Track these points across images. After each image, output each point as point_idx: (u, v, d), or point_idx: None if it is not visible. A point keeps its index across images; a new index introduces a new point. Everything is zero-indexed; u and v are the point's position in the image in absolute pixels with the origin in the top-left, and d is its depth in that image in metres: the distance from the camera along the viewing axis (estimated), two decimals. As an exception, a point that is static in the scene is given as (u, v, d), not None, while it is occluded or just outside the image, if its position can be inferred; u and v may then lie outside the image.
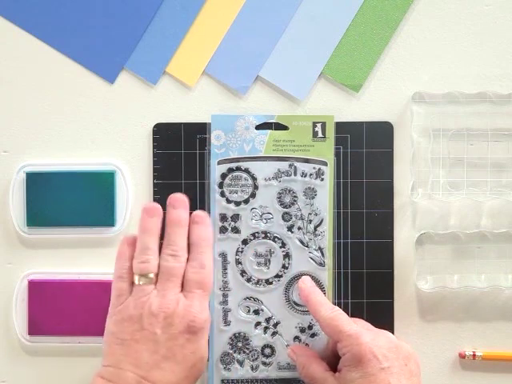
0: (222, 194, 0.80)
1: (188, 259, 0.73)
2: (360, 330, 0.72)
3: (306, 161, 0.79)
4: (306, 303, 0.77)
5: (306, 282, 0.78)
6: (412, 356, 0.73)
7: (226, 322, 0.80)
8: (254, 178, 0.80)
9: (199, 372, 0.71)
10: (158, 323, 0.69)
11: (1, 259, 0.82)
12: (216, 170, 0.80)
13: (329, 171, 0.80)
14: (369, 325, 0.76)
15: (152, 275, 0.72)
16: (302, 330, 0.80)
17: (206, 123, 0.80)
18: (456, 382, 0.81)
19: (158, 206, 0.74)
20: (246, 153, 0.80)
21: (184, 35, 0.81)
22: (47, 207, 0.80)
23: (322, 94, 0.82)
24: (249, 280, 0.80)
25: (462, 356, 0.80)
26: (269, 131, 0.80)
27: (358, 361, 0.70)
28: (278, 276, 0.80)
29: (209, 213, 0.79)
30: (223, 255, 0.80)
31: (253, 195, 0.80)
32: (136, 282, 0.72)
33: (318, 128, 0.80)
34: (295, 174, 0.79)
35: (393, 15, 0.81)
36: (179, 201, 0.74)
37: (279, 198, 0.80)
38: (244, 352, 0.80)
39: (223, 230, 0.80)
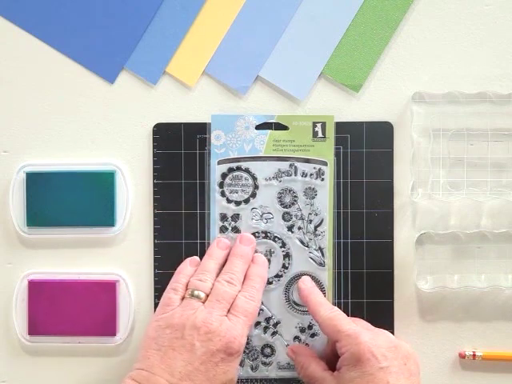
0: (223, 194, 0.80)
1: (240, 290, 0.75)
2: (359, 330, 0.72)
3: (307, 161, 0.79)
4: (305, 303, 0.77)
5: (305, 283, 0.78)
6: (411, 355, 0.73)
7: (226, 322, 0.80)
8: (254, 178, 0.80)
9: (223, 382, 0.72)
10: (198, 336, 0.71)
11: (1, 259, 0.82)
12: (216, 170, 0.80)
13: (329, 171, 0.80)
14: (368, 324, 0.76)
15: (203, 294, 0.74)
16: (302, 330, 0.80)
17: (206, 123, 0.80)
18: (456, 381, 0.81)
19: (227, 241, 0.78)
20: (246, 153, 0.80)
21: (184, 35, 0.81)
22: (47, 207, 0.80)
23: (321, 94, 0.82)
24: (249, 280, 0.80)
25: (462, 356, 0.80)
26: (269, 131, 0.80)
27: (357, 360, 0.70)
28: (278, 276, 0.80)
29: (209, 213, 0.80)
30: (223, 255, 0.80)
31: (253, 195, 0.80)
32: (187, 296, 0.74)
33: (318, 128, 0.80)
34: (295, 174, 0.79)
35: (393, 15, 0.81)
36: (247, 239, 0.79)
37: (279, 197, 0.80)
38: (244, 352, 0.80)
39: (223, 229, 0.80)
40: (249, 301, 0.74)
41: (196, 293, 0.74)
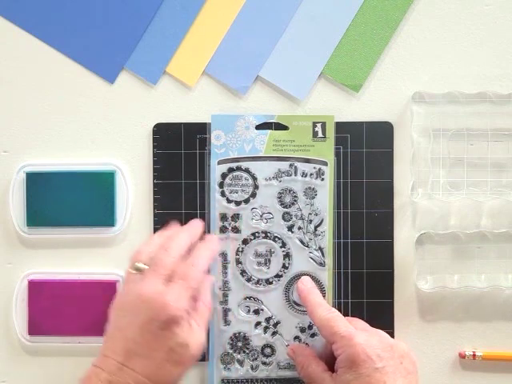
0: (223, 194, 0.80)
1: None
2: (354, 332, 0.72)
3: (307, 161, 0.80)
4: (304, 304, 0.77)
5: (304, 283, 0.78)
6: (407, 354, 0.73)
7: (226, 322, 0.80)
8: (254, 178, 0.80)
9: (182, 357, 0.70)
10: (132, 308, 0.70)
11: (1, 259, 0.82)
12: (216, 170, 0.80)
13: (329, 171, 0.80)
14: (366, 325, 0.76)
15: (144, 266, 0.72)
16: (302, 330, 0.80)
17: (206, 123, 0.80)
18: (456, 381, 0.81)
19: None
20: (246, 153, 0.80)
21: (184, 35, 0.81)
22: (47, 207, 0.80)
23: (322, 94, 0.82)
24: (249, 280, 0.80)
25: (462, 356, 0.80)
26: (269, 131, 0.80)
27: (352, 362, 0.70)
28: (278, 276, 0.80)
29: (209, 212, 0.80)
30: (223, 255, 0.80)
31: (253, 195, 0.80)
32: (129, 270, 0.73)
33: (318, 128, 0.80)
34: (295, 174, 0.80)
35: (393, 15, 0.81)
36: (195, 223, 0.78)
37: (279, 197, 0.80)
38: (244, 352, 0.80)
39: (223, 229, 0.80)
40: (189, 266, 0.72)
41: (136, 265, 0.72)
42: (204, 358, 0.80)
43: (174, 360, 0.70)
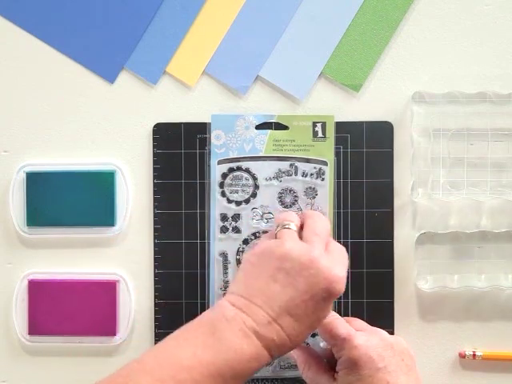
0: (223, 194, 0.80)
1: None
2: (353, 333, 0.72)
3: (307, 161, 0.80)
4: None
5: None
6: (406, 350, 0.73)
7: (227, 322, 0.80)
8: (254, 178, 0.80)
9: (319, 325, 0.69)
10: (301, 271, 0.67)
11: (1, 259, 0.81)
12: (216, 170, 0.80)
13: (329, 171, 0.80)
14: (364, 324, 0.76)
15: (295, 227, 0.71)
16: (303, 330, 0.80)
17: (206, 123, 0.80)
18: (456, 381, 0.81)
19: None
20: (246, 152, 0.80)
21: (184, 35, 0.81)
22: (47, 207, 0.80)
23: (321, 94, 0.82)
24: (249, 280, 0.80)
25: (462, 356, 0.80)
26: (269, 131, 0.80)
27: (354, 364, 0.70)
28: (278, 276, 0.80)
29: (209, 212, 0.80)
30: (224, 255, 0.80)
31: (253, 195, 0.80)
32: (280, 228, 0.71)
33: (318, 128, 0.80)
34: (296, 174, 0.80)
35: (393, 15, 0.81)
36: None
37: (280, 197, 0.80)
38: (244, 352, 0.80)
39: (224, 229, 0.80)
40: (337, 244, 0.71)
41: (286, 223, 0.71)
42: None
43: (314, 328, 0.68)
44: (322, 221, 0.72)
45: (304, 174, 0.80)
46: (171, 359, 0.64)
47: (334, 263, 0.68)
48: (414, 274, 0.80)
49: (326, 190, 0.80)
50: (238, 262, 0.80)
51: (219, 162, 0.80)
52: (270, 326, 0.65)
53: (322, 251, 0.68)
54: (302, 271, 0.66)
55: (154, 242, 0.81)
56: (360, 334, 0.72)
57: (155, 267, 0.81)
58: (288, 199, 0.80)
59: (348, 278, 0.80)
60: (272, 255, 0.68)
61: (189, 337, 0.65)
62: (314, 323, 0.68)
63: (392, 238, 0.81)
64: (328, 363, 0.75)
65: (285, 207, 0.80)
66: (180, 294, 0.80)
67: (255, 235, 0.80)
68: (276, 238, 0.70)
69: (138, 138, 0.82)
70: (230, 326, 0.65)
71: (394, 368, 0.70)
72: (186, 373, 0.63)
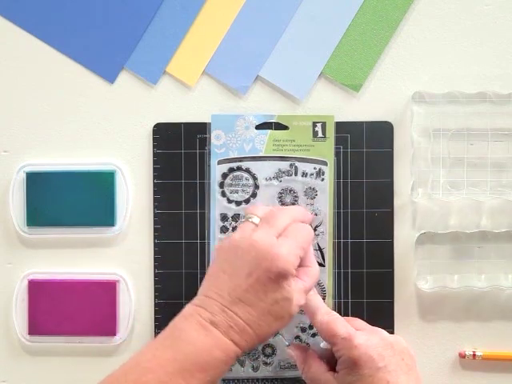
0: (223, 194, 0.80)
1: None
2: (353, 333, 0.72)
3: (307, 161, 0.79)
4: (303, 307, 0.76)
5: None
6: (406, 349, 0.73)
7: (227, 322, 0.80)
8: (254, 178, 0.80)
9: (283, 312, 0.69)
10: (244, 255, 0.69)
11: (1, 259, 0.81)
12: (217, 170, 0.80)
13: (329, 171, 0.80)
14: (363, 323, 0.76)
15: (258, 219, 0.72)
16: (303, 330, 0.80)
17: (206, 123, 0.80)
18: (456, 381, 0.81)
19: None
20: (246, 152, 0.80)
21: (184, 35, 0.81)
22: (47, 207, 0.80)
23: (321, 94, 0.82)
24: (249, 280, 0.80)
25: (462, 356, 0.80)
26: (269, 131, 0.80)
27: (354, 364, 0.70)
28: (278, 276, 0.80)
29: (209, 212, 0.80)
30: (224, 255, 0.80)
31: (254, 195, 0.80)
32: (243, 219, 0.73)
33: (318, 128, 0.80)
34: (296, 174, 0.80)
35: (393, 15, 0.81)
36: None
37: (280, 197, 0.80)
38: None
39: (224, 229, 0.80)
40: (301, 226, 0.72)
41: (249, 216, 0.72)
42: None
43: (276, 313, 0.69)
44: (281, 210, 0.74)
45: (304, 174, 0.80)
46: (133, 364, 0.67)
47: (280, 243, 0.69)
48: (414, 274, 0.80)
49: (326, 190, 0.80)
50: (238, 262, 0.80)
51: (219, 162, 0.80)
52: (225, 313, 0.68)
53: (266, 234, 0.70)
54: (244, 256, 0.69)
55: (154, 242, 0.81)
56: (360, 334, 0.72)
57: (155, 267, 0.81)
58: (288, 199, 0.80)
59: (348, 277, 0.80)
60: (222, 250, 0.71)
61: (151, 342, 0.69)
62: (272, 307, 0.69)
63: (392, 237, 0.81)
64: (328, 363, 0.74)
65: (285, 207, 0.80)
66: (180, 294, 0.80)
67: (255, 235, 0.80)
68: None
69: (137, 137, 0.82)
70: (188, 321, 0.68)
71: (394, 367, 0.71)
72: (150, 374, 0.65)
